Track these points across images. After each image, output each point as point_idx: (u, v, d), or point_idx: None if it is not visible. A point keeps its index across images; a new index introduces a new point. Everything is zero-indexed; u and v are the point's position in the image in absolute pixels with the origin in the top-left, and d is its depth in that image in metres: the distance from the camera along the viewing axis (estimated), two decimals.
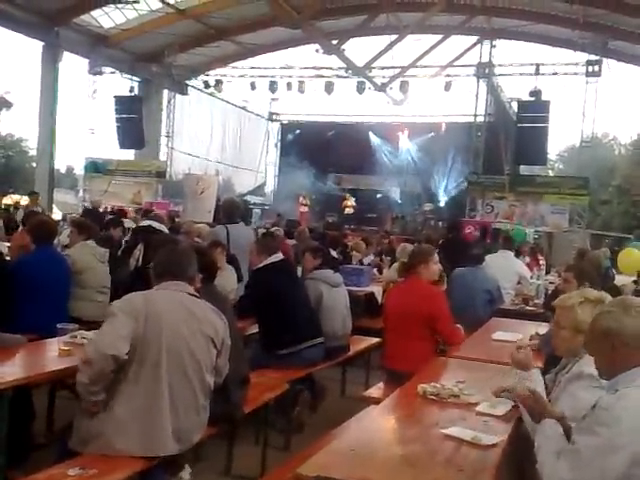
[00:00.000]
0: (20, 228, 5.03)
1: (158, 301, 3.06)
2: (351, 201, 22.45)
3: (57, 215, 17.11)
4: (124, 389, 2.94)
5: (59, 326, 3.86)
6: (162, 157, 22.17)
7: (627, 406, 1.97)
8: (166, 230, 8.32)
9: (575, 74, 18.97)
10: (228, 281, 5.68)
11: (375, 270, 8.97)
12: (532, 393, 2.51)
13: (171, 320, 3.03)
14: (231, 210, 7.30)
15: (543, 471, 2.17)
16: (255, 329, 5.18)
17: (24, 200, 18.66)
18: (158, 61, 20.71)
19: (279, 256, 5.12)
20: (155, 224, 7.93)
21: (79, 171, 26.48)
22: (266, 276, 4.96)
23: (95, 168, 20.71)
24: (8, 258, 5.01)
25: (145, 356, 2.94)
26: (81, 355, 3.47)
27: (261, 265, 5.00)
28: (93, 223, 6.62)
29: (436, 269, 4.92)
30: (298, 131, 26.06)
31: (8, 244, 5.77)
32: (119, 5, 17.59)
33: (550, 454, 2.17)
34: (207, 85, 22.10)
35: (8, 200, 18.27)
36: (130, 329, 2.91)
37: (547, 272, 10.69)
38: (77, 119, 23.90)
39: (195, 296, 3.22)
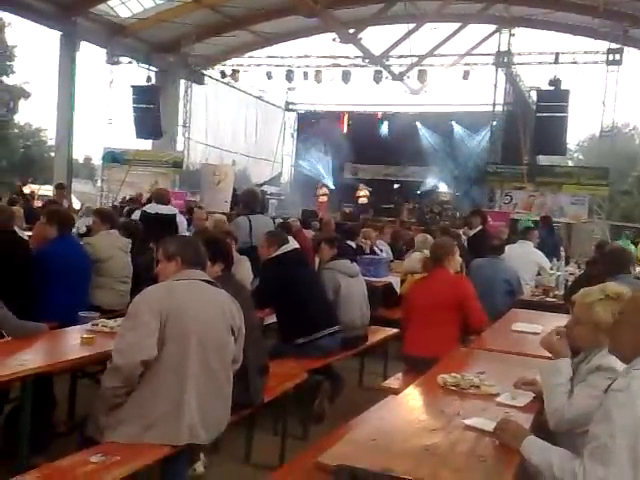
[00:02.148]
0: (42, 218, 5.05)
1: (180, 293, 3.05)
2: (364, 191, 22.32)
3: (75, 205, 17.23)
4: (149, 380, 2.94)
5: (81, 314, 3.91)
6: (179, 147, 22.19)
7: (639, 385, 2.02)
8: (175, 211, 8.22)
9: (595, 63, 18.66)
10: (242, 272, 5.67)
11: (390, 261, 8.86)
12: (506, 423, 2.48)
13: (194, 311, 3.03)
14: (251, 201, 7.29)
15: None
16: (274, 319, 5.19)
17: (43, 190, 18.85)
18: (175, 51, 20.70)
19: (290, 246, 5.12)
20: (161, 208, 7.79)
21: (97, 161, 26.65)
22: (276, 266, 4.97)
23: (113, 158, 20.76)
24: (31, 247, 5.04)
25: (170, 349, 2.94)
26: (102, 345, 3.52)
27: (271, 256, 5.01)
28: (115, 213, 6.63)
29: (459, 260, 5.13)
30: (314, 121, 25.98)
31: (29, 233, 5.80)
32: None
33: (567, 463, 2.14)
34: (224, 75, 22.04)
35: (27, 190, 18.41)
36: (155, 328, 2.90)
37: (566, 263, 10.60)
38: (95, 109, 24.03)
39: (212, 283, 3.22)
